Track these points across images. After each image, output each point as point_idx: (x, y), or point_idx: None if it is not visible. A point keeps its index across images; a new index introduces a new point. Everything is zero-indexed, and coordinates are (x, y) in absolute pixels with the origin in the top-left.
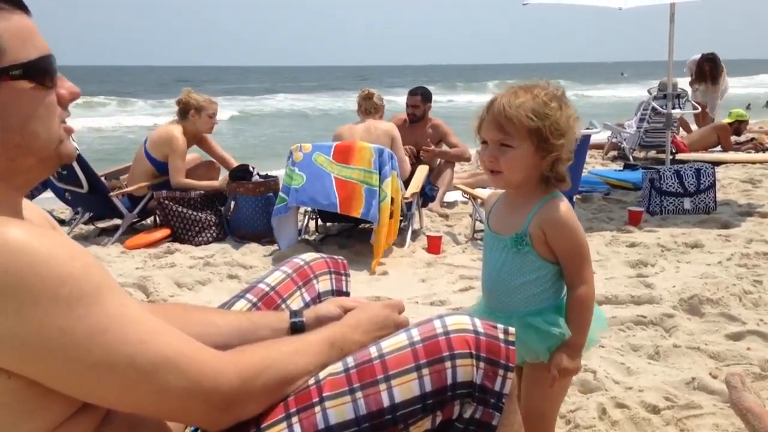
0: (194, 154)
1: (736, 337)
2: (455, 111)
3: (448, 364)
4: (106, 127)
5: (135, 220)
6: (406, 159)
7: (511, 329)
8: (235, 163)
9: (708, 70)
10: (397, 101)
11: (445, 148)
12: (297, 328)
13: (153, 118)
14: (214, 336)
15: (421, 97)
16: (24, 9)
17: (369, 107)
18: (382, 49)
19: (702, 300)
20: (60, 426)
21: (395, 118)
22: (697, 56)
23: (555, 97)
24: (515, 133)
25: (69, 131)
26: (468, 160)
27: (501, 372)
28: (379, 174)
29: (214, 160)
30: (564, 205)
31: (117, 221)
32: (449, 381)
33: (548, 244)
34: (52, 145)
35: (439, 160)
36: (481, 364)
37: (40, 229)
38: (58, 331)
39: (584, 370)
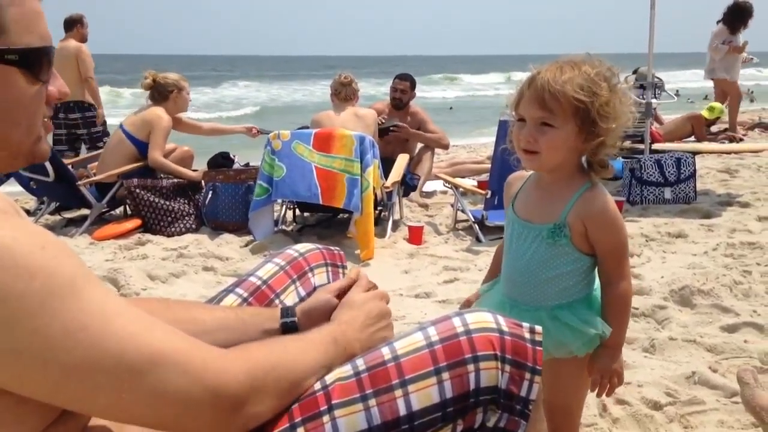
0: (171, 144)
1: (732, 329)
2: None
3: (470, 367)
4: None
5: (104, 210)
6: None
7: (538, 328)
8: (221, 126)
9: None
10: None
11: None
12: (288, 329)
13: None
14: (200, 334)
15: (410, 83)
16: None
17: (349, 93)
18: (347, 40)
19: (693, 291)
20: None
21: (375, 106)
22: (716, 29)
23: (605, 77)
24: (559, 111)
25: (48, 129)
26: (446, 147)
27: (528, 375)
28: (361, 162)
29: (188, 148)
30: (606, 197)
31: (85, 211)
32: (472, 386)
33: (588, 239)
34: (29, 141)
35: (418, 147)
36: (507, 367)
37: (2, 216)
38: (30, 331)
39: None
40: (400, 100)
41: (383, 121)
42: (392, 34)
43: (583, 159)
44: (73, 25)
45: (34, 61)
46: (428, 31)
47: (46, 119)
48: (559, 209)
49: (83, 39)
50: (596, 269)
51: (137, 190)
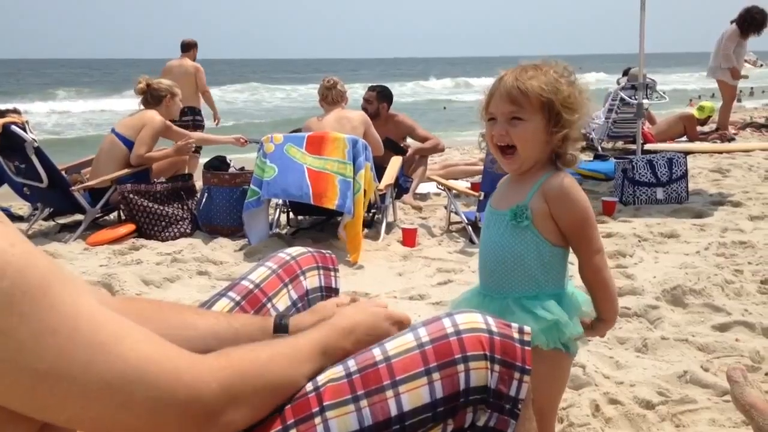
0: (166, 148)
1: (723, 328)
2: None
3: (460, 367)
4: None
5: (98, 215)
6: (379, 139)
7: (527, 328)
8: (210, 136)
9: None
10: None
11: (411, 141)
12: None
13: None
14: (192, 340)
15: (376, 94)
16: None
17: (336, 96)
18: (338, 42)
19: (685, 290)
20: None
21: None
22: (728, 30)
23: (563, 74)
24: (527, 105)
25: None
26: (442, 150)
27: (517, 375)
28: (353, 165)
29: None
30: (566, 176)
31: (79, 217)
32: (462, 386)
33: (552, 220)
34: None
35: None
36: (496, 367)
37: None
38: None
39: (572, 364)
40: (365, 109)
41: None
42: (389, 36)
43: (554, 156)
44: (190, 48)
45: None
46: (427, 34)
47: None
48: (524, 193)
49: (195, 58)
50: (566, 265)
51: (131, 195)
